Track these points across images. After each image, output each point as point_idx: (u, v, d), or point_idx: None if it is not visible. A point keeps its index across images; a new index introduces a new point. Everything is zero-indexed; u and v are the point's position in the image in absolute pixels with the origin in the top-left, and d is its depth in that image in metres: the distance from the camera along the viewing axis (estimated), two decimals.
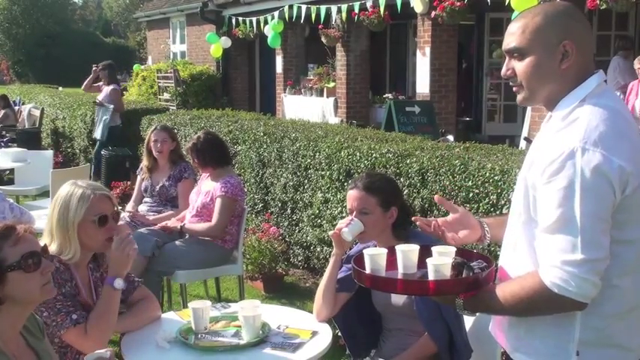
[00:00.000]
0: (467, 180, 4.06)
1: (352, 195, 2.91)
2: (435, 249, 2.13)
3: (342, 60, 11.80)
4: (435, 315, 2.75)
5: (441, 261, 2.02)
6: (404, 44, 13.65)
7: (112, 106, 9.18)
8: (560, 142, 1.74)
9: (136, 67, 17.98)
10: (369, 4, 10.34)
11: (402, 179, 4.55)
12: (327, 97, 12.10)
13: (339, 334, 3.17)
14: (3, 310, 2.03)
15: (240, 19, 13.96)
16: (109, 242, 2.69)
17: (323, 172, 5.43)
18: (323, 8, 11.08)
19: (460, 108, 11.58)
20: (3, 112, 11.82)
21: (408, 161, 4.59)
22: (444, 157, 4.44)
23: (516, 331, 1.91)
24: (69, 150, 11.25)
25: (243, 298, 4.69)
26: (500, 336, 1.99)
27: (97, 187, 2.75)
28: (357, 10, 10.48)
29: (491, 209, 3.83)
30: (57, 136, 11.74)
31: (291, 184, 5.87)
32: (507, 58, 1.91)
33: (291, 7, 12.00)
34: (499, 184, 3.84)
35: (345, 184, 5.04)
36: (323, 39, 11.71)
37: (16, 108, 12.59)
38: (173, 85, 14.34)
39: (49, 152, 8.30)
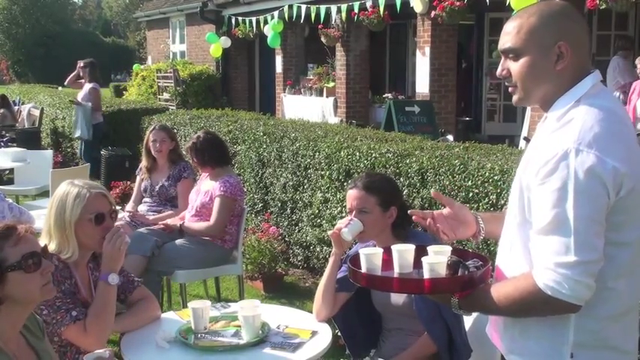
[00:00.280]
0: (466, 180, 4.07)
1: (352, 194, 2.92)
2: (430, 248, 2.13)
3: (342, 60, 11.81)
4: (434, 315, 2.75)
5: (437, 260, 2.02)
6: (403, 44, 13.66)
7: (89, 104, 9.16)
8: (554, 143, 1.73)
9: (135, 66, 17.99)
10: (368, 4, 10.34)
11: (401, 179, 4.55)
12: (327, 96, 12.10)
13: (339, 333, 3.17)
14: (3, 310, 2.03)
15: (240, 18, 13.96)
16: None
17: (322, 172, 5.43)
18: (323, 8, 11.09)
19: (460, 108, 11.58)
20: (1, 112, 11.81)
21: (407, 161, 4.60)
22: (443, 156, 4.44)
23: (511, 332, 1.90)
24: (68, 150, 11.24)
25: (243, 297, 4.69)
26: (496, 337, 1.99)
27: (93, 185, 2.75)
28: (356, 10, 10.48)
29: (491, 209, 3.84)
30: (57, 135, 11.74)
31: (291, 183, 5.87)
32: (503, 59, 1.90)
33: (290, 6, 12.00)
34: (499, 183, 3.84)
35: (345, 183, 5.05)
36: (323, 39, 11.71)
37: (16, 108, 12.57)
38: (173, 84, 14.34)
39: (49, 152, 8.29)
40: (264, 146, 6.25)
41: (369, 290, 2.99)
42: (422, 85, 10.16)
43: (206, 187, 4.63)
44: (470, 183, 4.03)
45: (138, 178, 5.31)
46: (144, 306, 2.90)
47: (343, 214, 4.97)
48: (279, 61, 13.62)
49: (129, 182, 7.88)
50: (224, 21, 14.78)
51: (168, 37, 18.23)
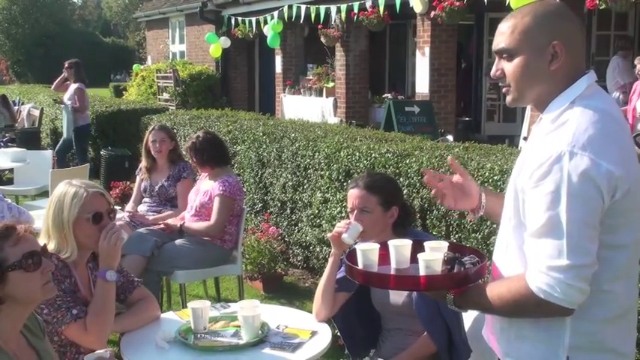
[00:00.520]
0: None
1: (353, 194, 2.92)
2: (427, 244, 2.14)
3: (342, 60, 11.81)
4: (434, 315, 2.75)
5: (432, 256, 2.02)
6: (403, 44, 13.67)
7: (70, 102, 9.14)
8: (548, 145, 1.72)
9: (135, 67, 18.01)
10: (368, 4, 10.34)
11: (401, 179, 4.55)
12: (327, 97, 12.11)
13: (338, 334, 3.17)
14: (4, 310, 2.03)
15: (240, 19, 13.97)
16: None
17: (322, 172, 5.43)
18: (322, 8, 11.09)
19: (459, 108, 11.59)
20: None
21: (407, 161, 4.60)
22: (443, 157, 4.44)
23: (507, 335, 1.89)
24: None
25: (243, 298, 4.69)
26: (492, 340, 1.99)
27: (91, 185, 2.75)
28: (356, 10, 10.48)
29: None
30: (56, 136, 11.71)
31: (291, 184, 5.87)
32: (497, 59, 1.89)
33: (290, 7, 12.00)
34: (498, 184, 3.84)
35: (345, 184, 5.05)
36: (322, 39, 11.71)
37: (16, 108, 12.58)
38: (172, 85, 14.34)
39: (49, 152, 8.30)
40: (264, 146, 6.25)
41: (369, 290, 2.99)
42: (421, 85, 10.16)
43: (205, 187, 4.63)
44: None
45: (137, 179, 5.31)
46: (143, 306, 2.90)
47: (343, 214, 4.97)
48: (278, 61, 13.63)
49: (128, 182, 7.88)
50: (224, 21, 14.78)
51: (168, 38, 18.23)
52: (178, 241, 4.54)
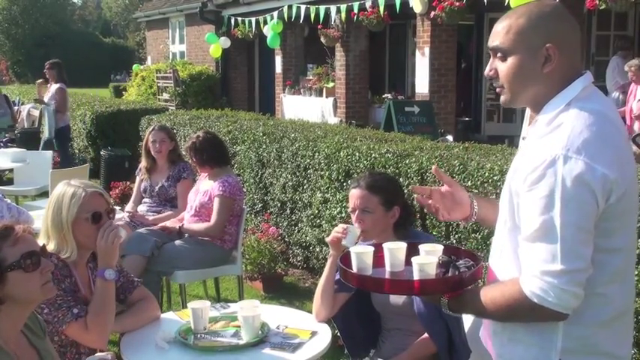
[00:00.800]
0: (466, 180, 4.06)
1: (355, 194, 2.92)
2: (422, 247, 2.13)
3: (342, 60, 11.81)
4: (434, 315, 2.75)
5: (426, 260, 2.02)
6: (403, 44, 13.67)
7: (53, 102, 9.12)
8: (542, 148, 1.70)
9: (135, 67, 18.02)
10: (368, 4, 10.34)
11: (401, 179, 4.55)
12: (327, 97, 12.11)
13: (338, 334, 3.17)
14: (3, 310, 2.03)
15: (240, 19, 13.97)
16: None
17: (322, 173, 5.43)
18: (322, 8, 11.09)
19: (459, 108, 11.59)
20: None
21: (407, 161, 4.59)
22: (443, 157, 4.44)
23: (500, 338, 1.89)
24: (68, 150, 11.23)
25: (243, 298, 4.69)
26: (488, 343, 1.98)
27: (89, 184, 2.75)
28: (356, 10, 10.49)
29: None
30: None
31: (291, 184, 5.87)
32: (491, 58, 1.87)
33: (290, 7, 12.00)
34: (498, 184, 3.84)
35: (345, 184, 5.04)
36: (322, 39, 11.72)
37: (16, 108, 12.57)
38: (172, 85, 14.35)
39: (49, 152, 8.29)
40: (264, 146, 6.25)
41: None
42: (421, 85, 10.16)
43: (205, 187, 4.63)
44: (469, 183, 4.02)
45: (137, 179, 5.31)
46: (143, 306, 2.90)
47: (343, 215, 4.97)
48: (278, 61, 13.63)
49: (128, 183, 7.88)
50: (224, 21, 14.78)
51: (168, 38, 18.24)
52: (178, 242, 4.54)
